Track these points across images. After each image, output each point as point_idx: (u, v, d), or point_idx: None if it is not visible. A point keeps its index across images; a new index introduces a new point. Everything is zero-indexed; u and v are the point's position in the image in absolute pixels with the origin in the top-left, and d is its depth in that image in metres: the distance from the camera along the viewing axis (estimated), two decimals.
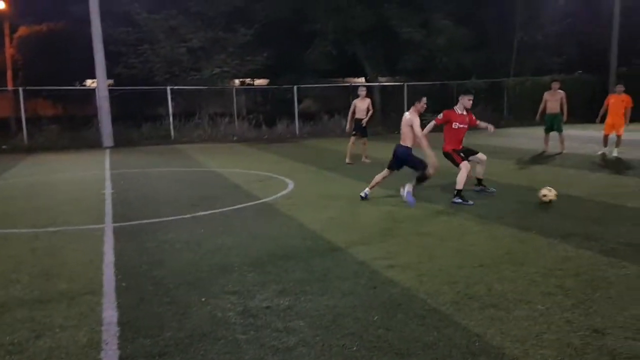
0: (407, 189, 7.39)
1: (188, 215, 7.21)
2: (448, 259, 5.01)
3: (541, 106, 13.18)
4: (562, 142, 12.98)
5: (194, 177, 11.10)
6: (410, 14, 23.94)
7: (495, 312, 3.76)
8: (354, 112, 12.46)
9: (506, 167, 11.10)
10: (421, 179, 7.55)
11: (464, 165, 7.64)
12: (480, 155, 8.05)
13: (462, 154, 7.83)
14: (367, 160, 12.46)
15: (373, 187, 7.93)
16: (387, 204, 7.69)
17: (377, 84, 26.69)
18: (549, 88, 13.27)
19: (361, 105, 12.41)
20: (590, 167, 10.74)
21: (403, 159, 7.60)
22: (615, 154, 12.20)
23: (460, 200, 7.46)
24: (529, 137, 18.15)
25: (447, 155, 7.89)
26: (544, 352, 3.18)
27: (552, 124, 13.01)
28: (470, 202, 7.44)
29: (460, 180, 7.53)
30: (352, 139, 12.53)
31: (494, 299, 3.99)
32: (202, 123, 21.82)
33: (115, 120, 20.17)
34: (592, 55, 25.98)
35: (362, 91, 12.62)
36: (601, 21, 25.12)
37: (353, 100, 12.76)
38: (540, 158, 12.59)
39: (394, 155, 7.70)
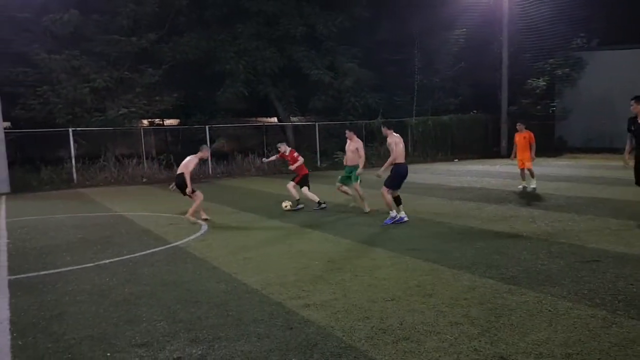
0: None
1: (91, 264, 6.80)
2: (361, 294, 5.11)
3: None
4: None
5: (98, 222, 10.50)
6: (318, 57, 24.91)
7: (407, 345, 3.86)
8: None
9: (416, 201, 11.57)
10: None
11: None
12: None
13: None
14: None
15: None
16: (300, 242, 7.74)
17: (289, 123, 27.15)
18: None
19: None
20: (487, 199, 11.48)
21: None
22: (533, 185, 12.85)
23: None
24: (431, 172, 19.13)
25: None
26: None
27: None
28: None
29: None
30: None
31: (406, 332, 4.11)
32: (108, 165, 20.91)
33: (11, 164, 18.87)
34: (484, 96, 28.53)
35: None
36: (490, 66, 27.84)
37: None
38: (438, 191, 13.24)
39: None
